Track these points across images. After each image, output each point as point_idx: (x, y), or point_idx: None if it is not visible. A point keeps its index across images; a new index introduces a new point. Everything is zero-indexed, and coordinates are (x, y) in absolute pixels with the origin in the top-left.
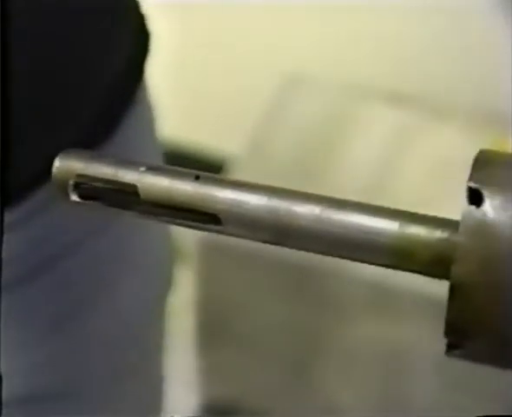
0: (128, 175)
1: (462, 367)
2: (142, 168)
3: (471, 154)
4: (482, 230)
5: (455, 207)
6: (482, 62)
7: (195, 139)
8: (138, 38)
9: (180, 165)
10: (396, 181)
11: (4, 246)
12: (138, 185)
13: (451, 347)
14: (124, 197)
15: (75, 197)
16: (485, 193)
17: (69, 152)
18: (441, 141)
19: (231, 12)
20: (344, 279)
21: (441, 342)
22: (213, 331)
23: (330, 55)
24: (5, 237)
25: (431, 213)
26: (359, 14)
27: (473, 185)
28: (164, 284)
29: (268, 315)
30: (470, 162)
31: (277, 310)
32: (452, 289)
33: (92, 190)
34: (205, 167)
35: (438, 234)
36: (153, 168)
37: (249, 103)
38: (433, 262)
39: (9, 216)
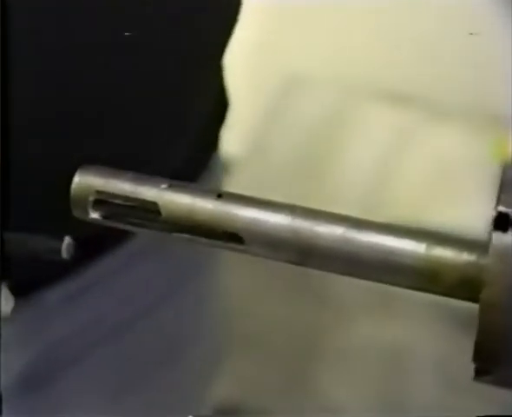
0: (148, 192)
1: (462, 368)
2: (163, 186)
3: (471, 154)
4: None
5: (454, 206)
6: (482, 62)
7: None
8: (216, 108)
9: None
10: (396, 180)
11: (67, 318)
12: (159, 202)
13: (480, 373)
14: (144, 215)
15: (94, 215)
16: None
17: (89, 168)
18: (441, 141)
19: None
20: (344, 279)
21: (441, 342)
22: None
23: (330, 55)
24: (69, 309)
25: (432, 212)
26: (359, 14)
27: (503, 209)
28: (219, 354)
29: (268, 316)
30: (470, 162)
31: (277, 310)
32: (481, 313)
33: (112, 207)
34: None
35: (465, 256)
36: (174, 186)
37: (249, 104)
38: (461, 285)
39: (71, 287)
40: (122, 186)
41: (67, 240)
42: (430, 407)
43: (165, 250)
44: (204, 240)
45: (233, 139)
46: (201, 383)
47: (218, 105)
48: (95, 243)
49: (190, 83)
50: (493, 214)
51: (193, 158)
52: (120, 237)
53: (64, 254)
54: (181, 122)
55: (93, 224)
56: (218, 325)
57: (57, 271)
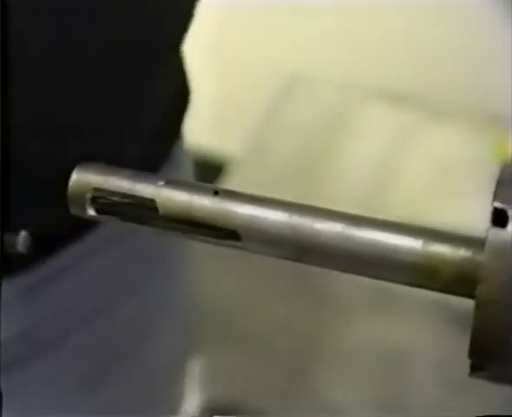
0: (146, 190)
1: (462, 367)
2: (161, 183)
3: (471, 154)
4: (508, 251)
5: (455, 206)
6: (482, 62)
7: (195, 140)
8: (177, 95)
9: None
10: (396, 180)
11: (27, 310)
12: (156, 199)
13: (475, 369)
14: (142, 212)
15: (91, 212)
16: (511, 213)
17: (87, 165)
18: (441, 141)
19: (231, 13)
20: (344, 279)
21: (441, 342)
22: (214, 331)
23: (330, 55)
24: (29, 301)
25: (432, 212)
26: (359, 14)
27: (499, 205)
28: (191, 344)
29: (268, 315)
30: (470, 162)
31: (277, 310)
32: (477, 309)
33: (109, 205)
34: (205, 168)
35: (462, 252)
36: (171, 183)
37: (249, 104)
38: (457, 281)
39: (30, 278)
40: (120, 183)
41: (23, 233)
42: (430, 407)
43: (131, 239)
44: (201, 237)
45: (233, 139)
46: (174, 373)
47: (179, 94)
48: (59, 233)
49: (148, 71)
50: (490, 210)
51: (154, 148)
52: (83, 227)
53: (20, 247)
54: (139, 111)
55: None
56: (190, 314)
57: (15, 264)
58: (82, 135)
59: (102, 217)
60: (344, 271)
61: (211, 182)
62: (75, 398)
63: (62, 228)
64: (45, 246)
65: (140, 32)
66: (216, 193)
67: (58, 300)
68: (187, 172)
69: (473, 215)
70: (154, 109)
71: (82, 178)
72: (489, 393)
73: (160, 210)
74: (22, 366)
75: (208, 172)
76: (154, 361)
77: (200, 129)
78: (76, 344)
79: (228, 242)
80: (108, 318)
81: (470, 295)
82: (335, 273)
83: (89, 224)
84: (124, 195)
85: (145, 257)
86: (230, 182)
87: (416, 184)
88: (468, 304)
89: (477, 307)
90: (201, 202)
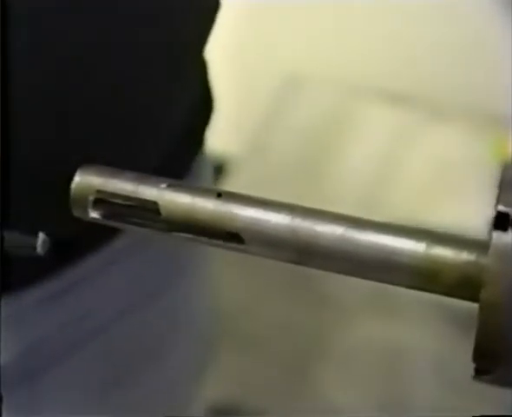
0: (148, 192)
1: (462, 368)
2: (163, 185)
3: (471, 154)
4: None
5: (454, 206)
6: (482, 62)
7: None
8: (199, 106)
9: None
10: (396, 180)
11: (48, 317)
12: (159, 202)
13: (480, 373)
14: (144, 214)
15: (94, 214)
16: None
17: (89, 167)
18: (441, 141)
19: (230, 12)
20: (344, 280)
21: (441, 342)
22: None
23: (330, 55)
24: (50, 308)
25: (432, 212)
26: (359, 14)
27: (503, 209)
28: (208, 353)
29: (268, 316)
30: (470, 162)
31: (277, 310)
32: (481, 313)
33: (112, 207)
34: None
35: (465, 255)
36: (174, 185)
37: (249, 104)
38: (460, 284)
39: (52, 286)
40: (122, 185)
41: (41, 236)
42: (430, 407)
43: (151, 247)
44: (204, 239)
45: (233, 139)
46: (190, 381)
47: (201, 103)
48: (80, 241)
49: (166, 77)
50: (493, 213)
51: (174, 159)
52: (105, 235)
53: (39, 250)
54: (158, 120)
55: (89, 223)
56: (207, 322)
57: (36, 270)
58: (98, 145)
59: (104, 220)
60: (346, 274)
61: (211, 183)
62: (91, 404)
63: (79, 233)
64: (65, 253)
65: (156, 34)
66: (219, 195)
67: (78, 308)
68: (208, 184)
69: (473, 214)
70: (174, 118)
71: (85, 180)
72: (489, 393)
73: (163, 213)
74: (41, 374)
75: None
76: (171, 370)
77: None
78: (94, 352)
79: (231, 245)
80: (127, 326)
81: (474, 299)
82: (335, 274)
83: (110, 233)
84: (127, 198)
85: (164, 266)
86: (230, 183)
87: (416, 184)
88: (468, 304)
89: (481, 310)
90: (204, 205)
